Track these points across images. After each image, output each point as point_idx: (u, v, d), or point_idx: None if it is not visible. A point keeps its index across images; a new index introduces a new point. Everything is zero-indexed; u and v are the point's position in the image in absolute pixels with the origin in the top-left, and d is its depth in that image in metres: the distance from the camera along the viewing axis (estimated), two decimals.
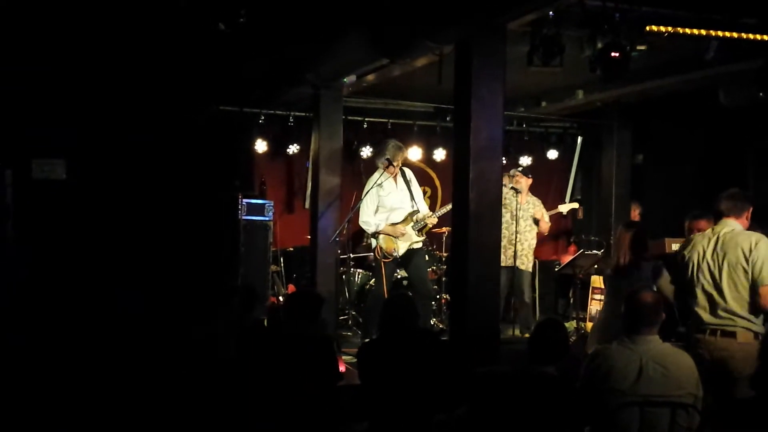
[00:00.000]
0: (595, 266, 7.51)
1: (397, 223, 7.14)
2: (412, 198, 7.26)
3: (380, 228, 7.09)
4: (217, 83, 7.66)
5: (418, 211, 7.24)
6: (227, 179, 8.10)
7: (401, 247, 7.12)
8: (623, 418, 3.58)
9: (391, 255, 7.10)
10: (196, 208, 7.61)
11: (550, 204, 8.92)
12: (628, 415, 3.58)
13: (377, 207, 7.15)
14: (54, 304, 6.76)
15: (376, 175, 7.21)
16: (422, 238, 7.29)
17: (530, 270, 7.96)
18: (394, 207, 7.17)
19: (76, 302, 6.80)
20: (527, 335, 7.41)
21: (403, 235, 7.10)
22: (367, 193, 7.14)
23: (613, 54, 5.06)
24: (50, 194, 7.19)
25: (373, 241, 7.20)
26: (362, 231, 9.18)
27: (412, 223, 7.18)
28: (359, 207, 7.40)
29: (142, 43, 7.13)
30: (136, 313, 6.40)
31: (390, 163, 7.10)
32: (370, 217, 7.12)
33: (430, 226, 7.35)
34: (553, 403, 3.58)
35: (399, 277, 7.67)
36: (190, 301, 5.43)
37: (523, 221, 7.83)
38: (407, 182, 7.27)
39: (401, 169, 7.26)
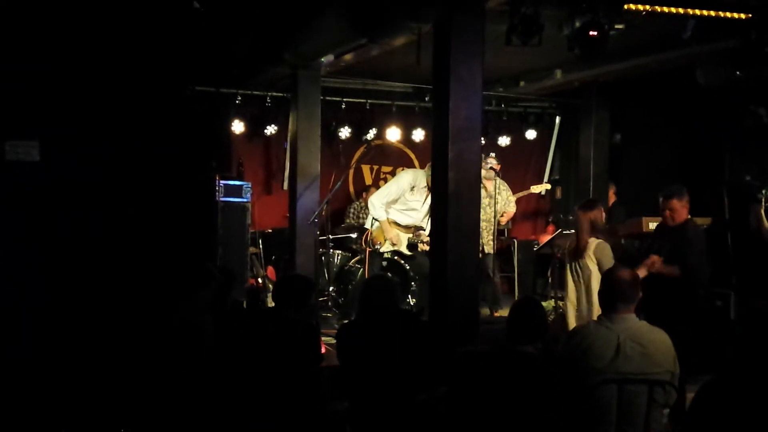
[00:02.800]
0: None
1: (399, 225, 7.12)
2: (427, 216, 7.26)
3: (381, 219, 7.08)
4: (194, 63, 7.57)
5: (423, 230, 7.23)
6: (204, 160, 8.03)
7: (386, 246, 7.14)
8: (601, 395, 3.61)
9: (374, 246, 7.11)
10: (173, 190, 7.54)
11: (527, 184, 8.92)
12: (606, 393, 3.60)
13: (395, 200, 7.12)
14: (28, 286, 6.69)
15: (415, 175, 7.21)
16: (410, 254, 7.27)
17: (492, 253, 7.76)
18: (409, 213, 7.17)
19: (50, 284, 6.72)
20: (497, 313, 7.46)
21: (393, 244, 7.11)
22: (397, 183, 7.15)
23: (591, 33, 5.07)
24: (24, 176, 7.09)
25: (368, 223, 7.19)
26: (342, 211, 9.22)
27: (410, 236, 7.18)
28: (338, 186, 7.40)
29: (118, 24, 7.01)
30: (112, 295, 6.35)
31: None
32: (382, 204, 7.11)
33: (420, 248, 7.30)
34: (532, 381, 3.60)
35: (386, 257, 7.66)
36: (167, 283, 5.38)
37: (489, 207, 7.68)
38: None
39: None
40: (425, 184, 7.14)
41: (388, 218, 7.11)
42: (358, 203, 9.14)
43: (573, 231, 8.07)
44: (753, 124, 7.35)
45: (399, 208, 7.15)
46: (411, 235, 7.20)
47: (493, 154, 8.01)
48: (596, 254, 5.44)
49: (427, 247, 7.22)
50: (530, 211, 10.50)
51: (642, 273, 5.19)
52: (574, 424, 3.72)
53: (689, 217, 5.74)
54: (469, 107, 5.01)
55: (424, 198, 7.19)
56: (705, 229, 6.62)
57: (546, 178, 10.09)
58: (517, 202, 8.41)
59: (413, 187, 7.11)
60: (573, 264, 5.63)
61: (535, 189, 8.54)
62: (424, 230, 7.26)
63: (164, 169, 7.50)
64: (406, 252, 7.23)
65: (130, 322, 5.04)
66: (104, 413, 4.45)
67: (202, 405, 4.10)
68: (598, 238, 5.54)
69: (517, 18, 5.09)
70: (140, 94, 7.42)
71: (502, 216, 7.78)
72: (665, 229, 5.78)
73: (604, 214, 5.62)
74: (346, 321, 6.68)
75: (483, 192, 7.56)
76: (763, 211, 6.31)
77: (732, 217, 7.29)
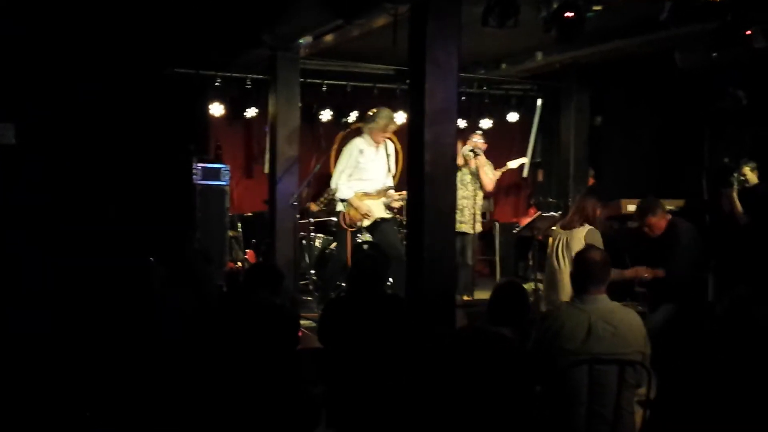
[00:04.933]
0: (553, 228, 7.56)
1: (369, 194, 7.06)
2: (389, 171, 7.19)
3: (349, 198, 7.02)
4: (172, 44, 7.49)
5: (392, 187, 7.17)
6: (181, 143, 7.96)
7: (365, 221, 7.08)
8: (573, 376, 3.63)
9: (356, 225, 7.06)
10: (150, 172, 7.48)
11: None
12: (577, 374, 3.63)
13: (352, 172, 7.06)
14: (5, 272, 6.63)
15: (359, 139, 7.09)
16: (390, 215, 7.22)
17: (472, 233, 7.70)
18: (369, 177, 7.09)
19: (28, 269, 6.67)
20: (467, 297, 7.46)
21: (367, 216, 7.03)
22: (346, 155, 7.04)
23: (567, 14, 5.06)
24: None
25: (340, 206, 7.13)
26: (321, 194, 9.16)
27: (384, 198, 7.12)
28: (317, 169, 7.35)
29: (95, 3, 6.93)
30: (89, 280, 6.32)
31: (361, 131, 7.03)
32: (344, 182, 7.04)
33: (396, 207, 7.24)
34: (505, 362, 3.61)
35: (360, 241, 7.64)
36: (142, 265, 5.37)
37: (472, 185, 7.69)
38: (387, 155, 7.19)
39: (386, 141, 7.17)
40: (371, 142, 7.08)
41: (356, 193, 7.05)
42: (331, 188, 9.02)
43: (557, 213, 8.18)
44: (732, 106, 7.37)
45: (358, 177, 7.08)
46: (384, 198, 7.14)
47: (479, 132, 8.01)
48: (587, 239, 5.56)
49: (399, 204, 7.14)
50: (512, 194, 10.51)
51: (628, 273, 5.62)
52: (547, 404, 3.74)
53: (671, 219, 5.84)
54: (446, 89, 4.98)
55: (375, 155, 7.10)
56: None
57: (528, 161, 10.08)
58: (499, 181, 8.39)
59: (362, 150, 7.05)
60: (561, 239, 5.70)
61: (512, 164, 8.48)
62: (392, 187, 7.21)
63: (141, 151, 7.45)
64: (386, 216, 7.17)
65: (105, 305, 5.02)
66: (72, 393, 4.42)
67: (175, 388, 4.10)
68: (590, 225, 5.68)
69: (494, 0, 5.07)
70: (117, 75, 7.35)
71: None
72: (649, 237, 5.86)
73: (598, 210, 5.76)
74: (332, 299, 6.63)
75: (465, 169, 7.56)
76: (735, 195, 6.35)
77: (710, 200, 7.34)
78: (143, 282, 4.53)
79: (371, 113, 7.22)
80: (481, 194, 7.74)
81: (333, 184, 7.13)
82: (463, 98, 8.77)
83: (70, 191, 7.13)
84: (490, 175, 7.83)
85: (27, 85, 7.08)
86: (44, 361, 5.02)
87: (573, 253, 5.44)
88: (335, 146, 9.15)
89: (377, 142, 7.04)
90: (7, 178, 6.97)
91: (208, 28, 7.16)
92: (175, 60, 7.87)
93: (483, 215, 9.16)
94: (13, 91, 7.06)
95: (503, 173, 8.42)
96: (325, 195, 8.71)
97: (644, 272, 5.77)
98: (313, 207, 8.56)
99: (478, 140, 7.79)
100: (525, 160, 8.91)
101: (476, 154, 7.58)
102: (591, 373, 3.62)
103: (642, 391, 3.75)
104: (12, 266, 6.61)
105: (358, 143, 7.05)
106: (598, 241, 5.59)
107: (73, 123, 7.23)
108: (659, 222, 5.81)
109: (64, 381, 4.62)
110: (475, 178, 7.59)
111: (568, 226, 5.79)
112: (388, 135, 7.08)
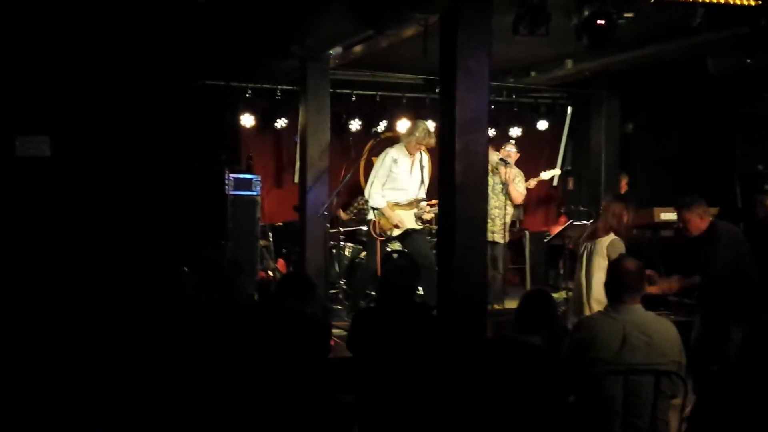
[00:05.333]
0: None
1: (400, 204, 7.08)
2: (422, 183, 7.21)
3: (381, 206, 7.04)
4: (203, 57, 7.58)
5: (424, 199, 7.18)
6: (213, 154, 8.05)
7: (396, 231, 7.10)
8: (607, 386, 3.60)
9: (386, 234, 7.08)
10: (182, 183, 7.56)
11: (538, 175, 8.87)
12: (612, 384, 3.60)
13: (385, 181, 7.07)
14: (40, 283, 6.73)
15: (394, 149, 7.12)
16: (421, 227, 7.21)
17: (502, 243, 7.66)
18: (402, 187, 7.11)
19: (62, 279, 6.77)
20: (498, 306, 7.41)
21: (398, 226, 7.05)
22: (381, 164, 7.07)
23: (599, 22, 5.04)
24: (35, 171, 7.14)
25: (370, 214, 7.16)
26: (351, 203, 9.21)
27: (415, 209, 7.13)
28: (347, 179, 7.37)
29: (127, 17, 7.04)
30: (123, 289, 6.38)
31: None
32: (377, 191, 7.06)
33: (427, 218, 7.23)
34: (536, 371, 3.59)
35: (390, 250, 7.66)
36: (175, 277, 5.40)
37: (504, 195, 7.63)
38: (422, 168, 7.21)
39: (420, 153, 7.19)
40: (405, 153, 7.10)
41: (388, 203, 7.06)
42: (362, 197, 9.07)
43: (589, 221, 8.09)
44: (765, 112, 7.29)
45: (391, 187, 7.09)
46: (415, 210, 7.14)
47: (513, 142, 7.98)
48: (608, 250, 5.27)
49: (430, 216, 7.13)
50: (542, 202, 10.46)
51: (653, 290, 5.15)
52: (581, 414, 3.71)
53: (712, 221, 5.50)
54: (477, 98, 4.99)
55: (410, 166, 7.11)
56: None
57: (558, 169, 10.03)
58: (529, 191, 8.35)
59: (396, 159, 7.06)
60: (586, 248, 5.52)
61: (545, 175, 8.43)
62: (425, 199, 7.21)
63: (173, 163, 7.53)
64: (417, 227, 7.17)
65: (137, 314, 5.06)
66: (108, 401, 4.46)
67: (207, 397, 4.12)
68: (615, 233, 5.39)
69: (524, 8, 5.06)
70: (149, 88, 7.44)
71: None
72: (688, 238, 5.53)
73: (626, 215, 5.35)
74: (362, 308, 6.65)
75: (497, 178, 7.53)
76: None
77: (744, 207, 7.24)
78: (148, 283, 4.56)
79: (410, 126, 7.26)
80: (511, 204, 7.71)
81: (366, 193, 7.16)
82: (492, 107, 8.77)
83: (104, 201, 7.23)
84: (520, 189, 7.78)
85: (60, 98, 7.19)
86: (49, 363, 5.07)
87: (594, 264, 5.29)
88: (365, 156, 9.19)
89: (412, 154, 7.06)
90: (42, 189, 7.10)
91: (239, 40, 7.23)
92: (206, 72, 7.96)
93: (513, 224, 9.14)
94: (47, 103, 7.18)
95: (535, 183, 8.38)
96: (356, 204, 8.77)
97: (674, 285, 5.44)
98: (343, 216, 8.61)
99: (511, 149, 7.77)
100: (557, 171, 8.84)
101: (506, 164, 7.55)
102: (626, 383, 3.59)
103: (677, 401, 3.71)
104: (15, 267, 6.73)
105: (392, 153, 7.08)
106: (620, 251, 5.22)
107: (106, 136, 7.33)
108: (694, 219, 5.39)
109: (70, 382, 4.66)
110: (506, 187, 7.56)
111: (592, 236, 5.47)
112: (422, 148, 7.09)
